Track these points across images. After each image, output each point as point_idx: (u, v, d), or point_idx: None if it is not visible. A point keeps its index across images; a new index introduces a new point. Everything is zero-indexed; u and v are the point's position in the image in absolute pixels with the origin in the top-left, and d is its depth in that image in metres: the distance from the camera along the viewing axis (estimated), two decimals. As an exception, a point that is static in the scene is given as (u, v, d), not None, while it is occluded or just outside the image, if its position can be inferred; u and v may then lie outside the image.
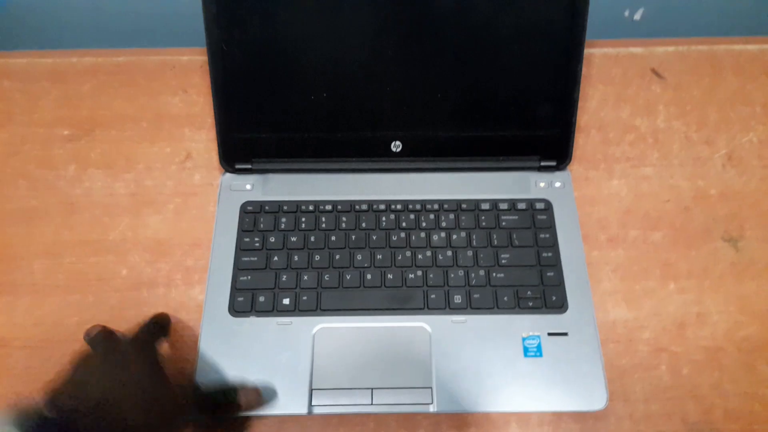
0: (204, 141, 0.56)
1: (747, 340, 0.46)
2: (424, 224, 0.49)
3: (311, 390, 0.43)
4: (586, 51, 0.49)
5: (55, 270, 0.50)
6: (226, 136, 0.51)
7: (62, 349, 0.46)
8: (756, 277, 0.49)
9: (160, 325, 0.45)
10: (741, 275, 0.49)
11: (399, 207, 0.50)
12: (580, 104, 0.50)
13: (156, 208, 0.53)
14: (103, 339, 0.41)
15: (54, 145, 0.56)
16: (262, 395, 0.43)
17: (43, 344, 0.47)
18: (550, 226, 0.49)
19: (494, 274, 0.47)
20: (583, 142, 0.56)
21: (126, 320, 0.47)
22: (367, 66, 0.48)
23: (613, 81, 0.60)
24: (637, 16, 0.68)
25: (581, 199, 0.52)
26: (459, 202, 0.50)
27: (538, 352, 0.44)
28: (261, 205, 0.51)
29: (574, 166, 0.54)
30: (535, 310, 0.46)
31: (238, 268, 0.48)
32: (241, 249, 0.49)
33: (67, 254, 0.50)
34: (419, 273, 0.47)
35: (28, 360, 0.46)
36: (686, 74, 0.60)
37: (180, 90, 0.60)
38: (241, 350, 0.45)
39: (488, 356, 0.44)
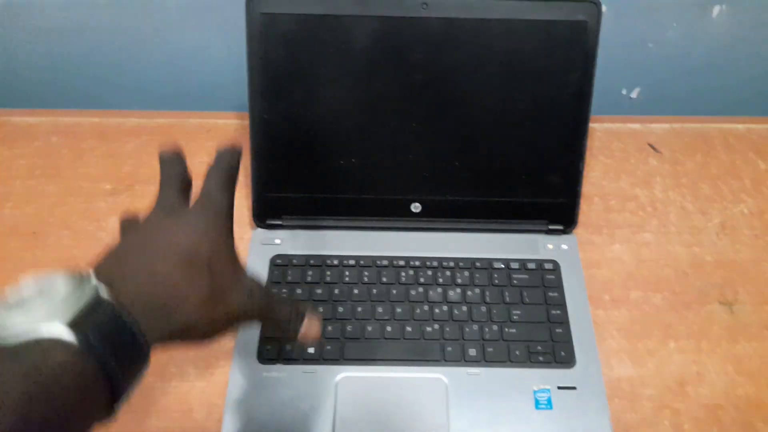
0: (236, 198, 0.61)
1: (744, 399, 0.49)
2: (440, 280, 0.53)
3: (334, 436, 0.46)
4: (589, 126, 0.54)
5: (94, 315, 0.53)
6: (260, 195, 0.55)
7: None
8: (750, 339, 0.52)
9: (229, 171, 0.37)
10: (736, 337, 0.52)
11: (417, 264, 0.54)
12: (584, 174, 0.55)
13: (190, 259, 0.56)
14: (177, 161, 0.37)
15: (97, 199, 0.61)
16: None
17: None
18: (558, 286, 0.53)
19: (507, 329, 0.50)
20: (587, 208, 0.60)
21: (160, 366, 0.50)
22: (391, 136, 0.54)
23: (614, 154, 0.65)
24: (634, 94, 0.75)
25: (586, 261, 0.56)
26: (473, 261, 0.54)
27: (549, 405, 0.47)
28: (289, 258, 0.54)
29: (579, 230, 0.58)
30: (545, 364, 0.49)
31: (267, 318, 0.51)
32: (270, 300, 0.52)
33: (106, 300, 0.54)
34: (436, 326, 0.51)
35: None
36: (680, 149, 0.65)
37: (215, 151, 0.65)
38: (268, 397, 0.47)
39: (502, 408, 0.47)
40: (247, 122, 0.54)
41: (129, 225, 0.36)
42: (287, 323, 0.37)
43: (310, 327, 0.37)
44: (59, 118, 0.67)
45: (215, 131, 0.67)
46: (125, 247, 0.33)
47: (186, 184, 0.38)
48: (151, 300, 0.30)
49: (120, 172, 0.63)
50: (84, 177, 0.62)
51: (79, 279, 0.29)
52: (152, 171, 0.63)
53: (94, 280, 0.29)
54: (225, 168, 0.38)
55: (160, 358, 0.50)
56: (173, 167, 0.37)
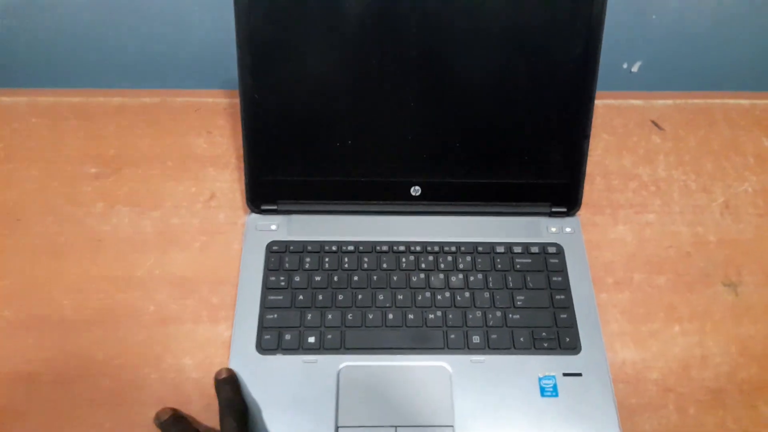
0: (228, 181, 0.59)
1: (747, 381, 0.49)
2: (442, 266, 0.52)
3: (337, 428, 0.45)
4: (592, 103, 0.52)
5: (83, 305, 0.51)
6: (253, 178, 0.53)
7: (91, 383, 0.48)
8: (754, 321, 0.52)
9: (239, 416, 0.43)
10: (740, 319, 0.52)
11: (418, 249, 0.53)
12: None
13: (182, 246, 0.55)
14: (173, 423, 0.43)
15: (82, 183, 0.58)
16: None
17: (72, 379, 0.48)
18: (563, 270, 0.52)
19: (510, 316, 0.49)
20: (589, 188, 0.59)
21: (156, 357, 0.49)
22: (390, 116, 0.51)
23: (616, 131, 0.63)
24: (635, 68, 0.73)
25: (588, 243, 0.55)
26: (475, 245, 0.53)
27: (554, 392, 0.46)
28: (286, 245, 0.53)
29: (582, 211, 0.57)
30: (550, 350, 0.48)
31: (265, 307, 0.50)
32: (267, 288, 0.51)
33: (95, 290, 0.52)
34: (439, 313, 0.50)
35: (57, 394, 0.47)
36: (683, 126, 0.64)
37: (204, 131, 0.62)
38: (268, 387, 0.46)
39: (507, 395, 0.46)
40: (236, 100, 0.51)
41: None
42: None
43: None
44: (38, 98, 0.64)
45: (204, 110, 0.64)
46: None
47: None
48: None
49: (105, 155, 0.60)
50: (67, 160, 0.60)
51: None
52: (139, 153, 0.61)
53: None
54: (233, 407, 0.44)
55: (155, 349, 0.49)
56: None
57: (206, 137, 0.62)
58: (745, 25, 0.67)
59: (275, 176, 0.53)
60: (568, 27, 0.49)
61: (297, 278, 0.51)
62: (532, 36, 0.49)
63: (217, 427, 0.44)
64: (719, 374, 0.49)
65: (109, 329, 0.50)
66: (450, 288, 0.51)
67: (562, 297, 0.50)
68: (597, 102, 0.65)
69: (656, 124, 0.64)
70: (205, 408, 0.47)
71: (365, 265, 0.52)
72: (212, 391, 0.47)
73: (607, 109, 0.65)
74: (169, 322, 0.51)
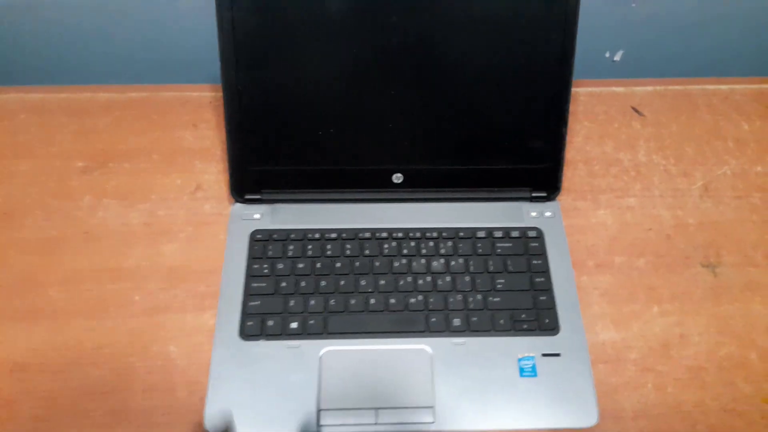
0: (214, 173, 0.60)
1: (727, 359, 0.50)
2: (424, 251, 0.53)
3: (319, 411, 0.46)
4: (572, 90, 0.53)
5: (73, 297, 0.52)
6: (237, 169, 0.54)
7: (81, 372, 0.48)
8: (733, 301, 0.52)
9: None
10: (719, 299, 0.53)
11: (400, 235, 0.53)
12: (567, 139, 0.54)
13: (169, 237, 0.55)
14: None
15: (70, 177, 0.59)
16: None
17: (62, 368, 0.49)
18: (542, 253, 0.53)
19: (491, 298, 0.50)
20: (570, 174, 0.60)
21: (143, 345, 0.49)
22: (370, 104, 0.52)
23: (597, 118, 0.64)
24: (617, 57, 0.74)
25: (570, 227, 0.56)
26: (457, 230, 0.54)
27: (533, 372, 0.47)
28: (270, 233, 0.53)
29: (563, 196, 0.58)
30: (529, 332, 0.49)
31: (248, 294, 0.51)
32: (250, 275, 0.51)
33: (84, 281, 0.53)
34: (420, 297, 0.50)
35: (48, 384, 0.48)
36: (664, 112, 0.65)
37: (191, 125, 0.63)
38: (251, 373, 0.47)
39: (486, 376, 0.47)
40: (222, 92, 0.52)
41: None
42: None
43: None
44: (26, 94, 0.65)
45: (190, 104, 0.65)
46: None
47: None
48: None
49: (93, 149, 0.61)
50: (55, 155, 0.60)
51: None
52: (126, 147, 0.61)
53: None
54: None
55: (141, 337, 0.50)
56: None
57: (192, 130, 0.63)
58: (722, 12, 0.68)
59: (258, 166, 0.54)
60: (545, 18, 0.50)
61: (280, 266, 0.52)
62: (510, 26, 0.50)
63: None
64: (698, 353, 0.50)
65: (97, 319, 0.51)
66: (432, 272, 0.52)
67: (542, 279, 0.51)
68: (579, 90, 0.66)
69: (637, 111, 0.65)
70: (190, 395, 0.48)
71: (348, 252, 0.52)
72: (197, 377, 0.48)
73: (589, 96, 0.66)
74: (156, 311, 0.51)
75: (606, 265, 0.54)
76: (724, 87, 0.66)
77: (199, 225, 0.56)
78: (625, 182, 0.60)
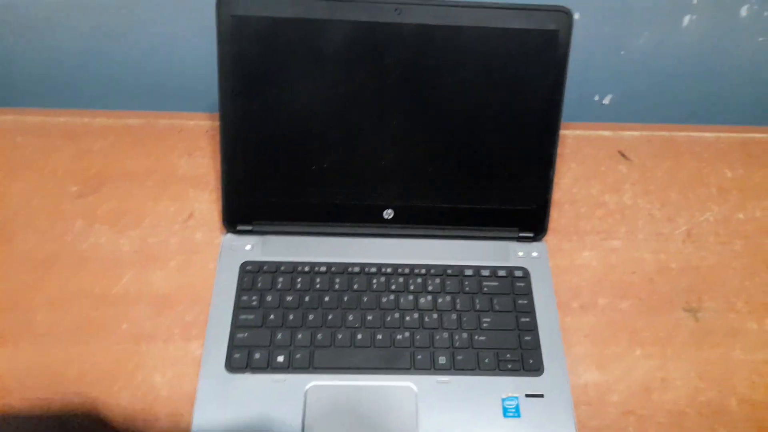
0: (206, 201, 0.60)
1: (707, 405, 0.50)
2: (412, 287, 0.53)
3: (302, 445, 0.45)
4: (561, 132, 0.54)
5: (58, 321, 0.52)
6: (230, 199, 0.55)
7: (63, 399, 0.48)
8: (714, 346, 0.53)
9: None
10: (700, 344, 0.53)
11: (389, 270, 0.54)
12: (554, 181, 0.56)
13: (159, 264, 0.56)
14: None
15: (63, 200, 0.59)
16: None
17: (45, 394, 0.48)
18: (528, 293, 0.53)
19: (476, 337, 0.51)
20: (557, 215, 0.61)
21: (128, 373, 0.49)
22: (364, 142, 0.53)
23: (585, 161, 0.66)
24: (606, 101, 0.76)
25: (555, 268, 0.57)
26: (445, 268, 0.54)
27: (516, 412, 0.47)
28: (260, 265, 0.54)
29: (550, 237, 0.59)
30: (513, 372, 0.49)
31: (236, 326, 0.51)
32: (239, 307, 0.52)
33: (71, 306, 0.53)
34: (407, 334, 0.51)
35: (29, 410, 0.47)
36: (650, 157, 0.66)
37: (186, 153, 0.64)
38: (236, 406, 0.47)
39: (470, 416, 0.47)
40: (218, 123, 0.53)
41: None
42: None
43: None
44: (25, 117, 0.66)
45: (186, 132, 0.66)
46: None
47: None
48: None
49: (87, 173, 0.61)
50: (50, 178, 0.61)
51: None
52: (120, 172, 0.62)
53: None
54: None
55: (126, 366, 0.50)
56: None
57: (187, 159, 0.63)
58: (708, 61, 0.71)
59: (251, 197, 0.55)
60: (535, 63, 0.52)
61: (269, 298, 0.52)
62: (502, 70, 0.52)
63: None
64: (679, 397, 0.51)
65: (82, 345, 0.51)
66: (419, 309, 0.52)
67: (527, 320, 0.52)
68: (568, 132, 0.68)
69: (623, 155, 0.66)
70: (174, 426, 0.47)
71: (336, 286, 0.53)
72: (181, 408, 0.48)
73: (577, 139, 0.68)
74: (142, 339, 0.51)
75: (590, 306, 0.55)
76: (709, 134, 0.69)
77: (190, 253, 0.56)
78: (610, 225, 0.61)
